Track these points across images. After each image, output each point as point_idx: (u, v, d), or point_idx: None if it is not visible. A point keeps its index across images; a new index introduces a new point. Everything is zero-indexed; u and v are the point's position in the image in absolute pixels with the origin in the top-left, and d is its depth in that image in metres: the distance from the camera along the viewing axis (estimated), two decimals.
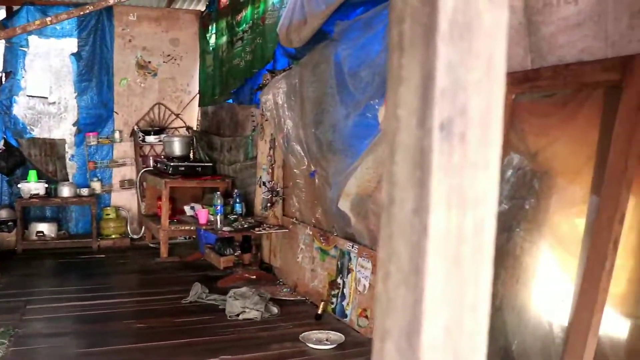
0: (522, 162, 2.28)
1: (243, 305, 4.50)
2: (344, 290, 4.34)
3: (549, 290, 2.15)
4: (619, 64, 1.85)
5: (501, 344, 2.31)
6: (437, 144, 0.51)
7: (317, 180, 4.65)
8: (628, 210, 1.81)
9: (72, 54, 7.34)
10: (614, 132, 1.83)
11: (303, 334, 4.04)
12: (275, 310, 4.58)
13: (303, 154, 4.82)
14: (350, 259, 4.27)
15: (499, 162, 0.53)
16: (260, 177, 5.85)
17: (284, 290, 5.19)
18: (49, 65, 7.27)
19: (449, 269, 0.53)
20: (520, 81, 2.23)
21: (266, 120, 5.58)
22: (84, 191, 7.01)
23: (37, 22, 4.60)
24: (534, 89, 2.20)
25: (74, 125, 7.42)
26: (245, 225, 5.54)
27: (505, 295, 2.32)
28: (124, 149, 7.64)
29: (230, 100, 6.91)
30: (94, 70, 7.43)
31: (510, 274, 2.29)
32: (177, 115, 7.92)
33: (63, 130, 7.42)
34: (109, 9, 7.32)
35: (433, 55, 0.51)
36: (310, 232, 4.91)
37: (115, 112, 7.60)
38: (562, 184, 2.10)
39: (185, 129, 7.93)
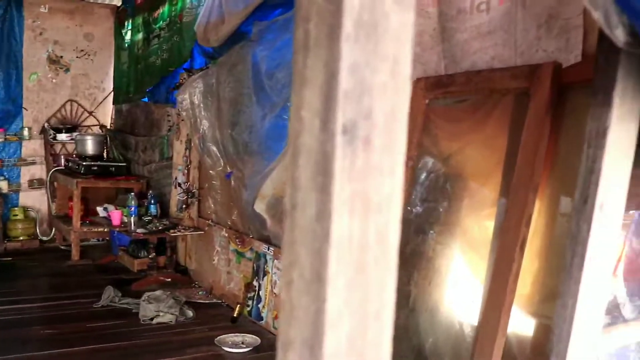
0: (435, 165, 2.32)
1: (157, 308, 4.37)
2: (260, 292, 4.31)
3: (460, 291, 2.20)
4: (527, 72, 1.91)
5: (414, 344, 2.35)
6: (339, 148, 0.49)
7: (233, 182, 4.59)
8: (534, 213, 1.88)
9: None
10: (522, 137, 1.88)
11: (218, 337, 3.97)
12: (190, 313, 4.49)
13: (219, 155, 4.74)
14: (266, 261, 4.24)
15: (403, 167, 0.52)
16: (176, 178, 5.72)
17: (200, 293, 5.09)
18: None
19: (352, 277, 0.52)
20: (434, 86, 2.27)
21: (182, 120, 5.46)
22: None
23: None
24: (448, 94, 2.24)
25: None
26: (160, 227, 5.40)
27: (419, 296, 2.36)
28: (33, 147, 7.27)
29: (146, 99, 6.72)
30: (0, 63, 7.04)
31: (423, 276, 2.33)
32: (90, 113, 7.63)
33: None
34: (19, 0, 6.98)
35: (337, 56, 0.49)
36: (226, 234, 4.84)
37: (24, 108, 7.21)
38: (473, 187, 2.15)
39: (98, 127, 7.65)
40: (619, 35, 0.83)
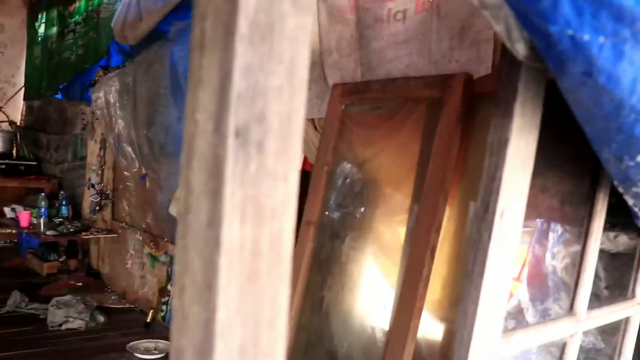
0: (351, 171, 2.33)
1: (66, 314, 4.21)
2: None
3: (372, 296, 2.22)
4: (439, 82, 1.95)
5: (328, 349, 2.35)
6: (231, 152, 0.47)
7: (148, 184, 4.48)
8: (445, 219, 1.92)
9: None
10: (433, 145, 1.92)
11: (130, 343, 3.86)
12: (101, 319, 4.35)
13: (134, 156, 4.62)
14: None
15: (298, 172, 0.51)
16: (89, 179, 5.53)
17: (112, 297, 4.94)
18: None
19: (244, 285, 0.50)
20: (351, 92, 2.29)
21: (97, 119, 5.28)
22: None
23: None
24: (363, 100, 2.26)
25: None
26: (72, 229, 5.20)
27: (332, 301, 2.36)
28: None
29: (59, 96, 6.46)
30: None
31: (336, 281, 2.34)
32: (0, 109, 7.27)
33: None
34: None
35: (231, 57, 0.47)
36: (141, 238, 4.72)
37: None
38: (387, 193, 2.18)
39: (8, 123, 7.30)
40: (520, 49, 0.85)
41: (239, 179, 0.48)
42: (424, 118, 2.04)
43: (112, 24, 4.76)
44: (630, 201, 1.14)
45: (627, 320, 1.71)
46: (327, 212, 2.41)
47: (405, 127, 2.10)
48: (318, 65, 2.54)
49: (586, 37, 0.73)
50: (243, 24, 0.47)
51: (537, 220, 1.91)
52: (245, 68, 0.47)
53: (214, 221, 0.49)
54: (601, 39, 0.73)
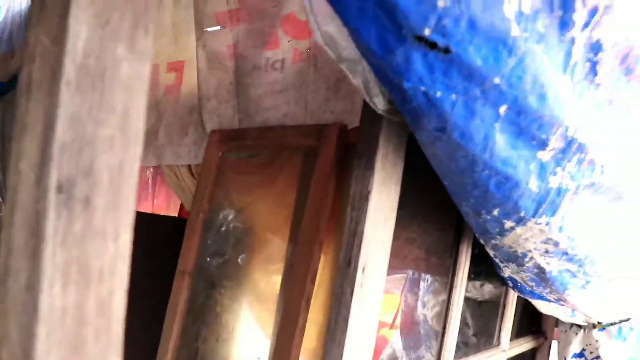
0: (227, 218, 2.29)
1: None
2: None
3: (247, 347, 2.16)
4: (315, 131, 1.97)
5: None
6: (53, 208, 0.43)
7: None
8: (320, 268, 1.91)
9: None
10: (309, 194, 1.92)
11: None
12: None
13: (1, 200, 4.31)
14: None
15: (131, 229, 0.47)
16: None
17: None
18: None
19: (66, 357, 0.45)
20: (229, 139, 2.26)
21: None
22: None
23: None
24: (241, 148, 2.24)
25: None
26: None
27: (206, 353, 2.27)
28: None
29: None
30: None
31: (210, 331, 2.26)
32: None
33: None
34: None
35: (56, 104, 0.43)
36: None
37: None
38: (264, 241, 2.15)
39: None
40: (379, 103, 0.86)
41: (61, 238, 0.43)
42: (300, 167, 2.04)
43: None
44: (491, 252, 1.18)
45: None
46: (203, 261, 2.33)
47: (281, 176, 2.10)
48: (196, 111, 2.50)
49: (438, 94, 0.75)
50: (70, 69, 0.44)
51: (409, 270, 1.95)
52: (71, 116, 0.43)
53: (33, 285, 0.44)
54: (453, 97, 0.75)
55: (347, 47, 0.82)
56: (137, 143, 0.47)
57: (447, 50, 0.73)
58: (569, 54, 0.78)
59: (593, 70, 0.82)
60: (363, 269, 0.91)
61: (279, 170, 2.10)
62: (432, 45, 0.73)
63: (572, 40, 0.78)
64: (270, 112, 2.15)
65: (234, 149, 2.26)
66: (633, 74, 0.89)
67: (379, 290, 0.95)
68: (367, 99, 0.85)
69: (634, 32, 0.81)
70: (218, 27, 2.29)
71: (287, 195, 2.05)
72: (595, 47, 0.80)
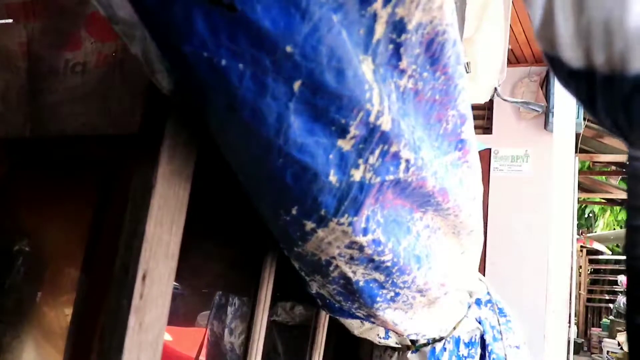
0: (9, 244, 1.99)
1: None
2: None
3: None
4: (118, 143, 1.77)
5: None
6: None
7: None
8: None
9: None
10: (108, 213, 1.71)
11: None
12: None
13: None
14: None
15: None
16: None
17: None
18: None
19: None
20: (18, 151, 1.98)
21: None
22: None
23: None
24: (32, 160, 1.97)
25: None
26: None
27: None
28: None
29: None
30: None
31: None
32: None
33: None
34: None
35: None
36: None
37: None
38: (53, 269, 1.89)
39: None
40: (163, 82, 0.72)
41: None
42: (99, 183, 1.82)
43: None
44: (297, 264, 1.06)
45: None
46: None
47: (77, 192, 1.86)
48: None
49: (224, 62, 0.62)
50: None
51: (216, 293, 1.79)
52: None
53: None
54: (241, 67, 0.63)
55: (123, 4, 0.67)
56: None
57: (231, 8, 0.60)
58: (371, 32, 0.70)
59: (397, 53, 0.74)
60: (143, 277, 0.75)
61: (76, 186, 1.86)
62: (216, 0, 0.61)
63: (374, 17, 0.69)
64: (68, 121, 1.91)
65: (24, 161, 1.98)
66: (439, 65, 0.82)
67: (164, 305, 0.79)
68: (149, 75, 0.71)
69: (439, 14, 0.75)
70: (10, 20, 2.02)
71: (82, 215, 1.81)
72: (399, 26, 0.72)
